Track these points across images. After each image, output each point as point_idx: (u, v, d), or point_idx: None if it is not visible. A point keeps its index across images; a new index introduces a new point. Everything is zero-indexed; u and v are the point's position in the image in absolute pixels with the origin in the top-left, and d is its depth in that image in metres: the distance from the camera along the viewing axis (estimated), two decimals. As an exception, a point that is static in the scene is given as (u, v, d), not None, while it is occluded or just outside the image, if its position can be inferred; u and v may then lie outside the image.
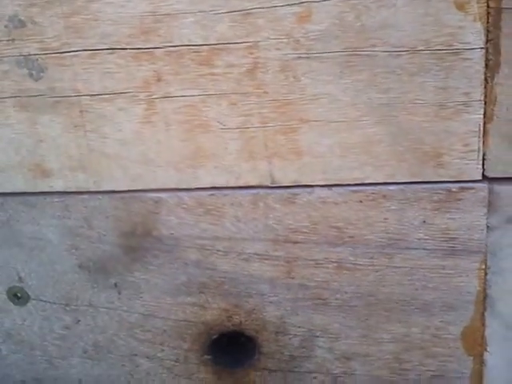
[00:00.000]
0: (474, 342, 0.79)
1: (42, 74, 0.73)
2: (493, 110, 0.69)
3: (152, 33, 0.70)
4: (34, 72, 0.73)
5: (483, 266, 0.75)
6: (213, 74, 0.70)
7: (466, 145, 0.70)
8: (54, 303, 0.84)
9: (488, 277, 0.76)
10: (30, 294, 0.84)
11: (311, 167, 0.73)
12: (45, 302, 0.85)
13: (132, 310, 0.82)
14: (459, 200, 0.72)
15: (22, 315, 0.85)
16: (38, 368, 0.89)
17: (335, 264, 0.77)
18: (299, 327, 0.80)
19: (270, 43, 0.68)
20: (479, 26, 0.66)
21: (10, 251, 0.82)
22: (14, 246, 0.82)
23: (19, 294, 0.85)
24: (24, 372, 0.90)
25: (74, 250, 0.81)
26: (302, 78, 0.69)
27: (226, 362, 0.85)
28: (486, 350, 0.79)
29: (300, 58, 0.69)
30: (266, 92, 0.70)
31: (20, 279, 0.84)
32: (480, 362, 0.80)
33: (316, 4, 0.67)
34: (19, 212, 0.80)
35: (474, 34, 0.66)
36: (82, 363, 0.87)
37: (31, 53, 0.72)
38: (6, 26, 0.72)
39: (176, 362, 0.85)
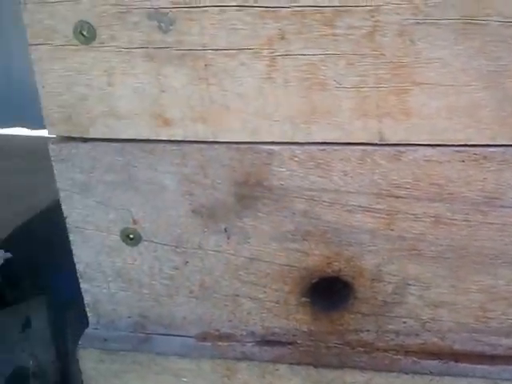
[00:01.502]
0: (559, 295, 0.80)
1: (170, 27, 0.74)
2: None
3: (279, -8, 0.71)
4: (163, 24, 0.74)
5: None
6: (334, 35, 0.71)
7: None
8: (165, 245, 0.86)
9: None
10: (142, 235, 0.86)
11: (418, 127, 0.74)
12: (156, 243, 0.87)
13: (238, 253, 0.84)
14: (557, 162, 0.73)
15: (133, 255, 0.88)
16: (144, 305, 0.91)
17: (433, 218, 0.78)
18: (394, 275, 0.82)
19: (391, 8, 0.69)
20: None
21: (125, 195, 0.85)
22: (130, 190, 0.84)
23: (132, 236, 0.87)
24: (131, 308, 0.92)
25: (188, 196, 0.83)
26: (418, 43, 0.70)
27: (322, 304, 0.86)
28: None
29: (418, 23, 0.70)
30: (382, 54, 0.71)
31: (134, 221, 0.86)
32: (562, 314, 0.81)
33: (438, -28, 0.67)
34: (138, 158, 0.82)
35: None
36: (188, 302, 0.90)
37: (162, 6, 0.73)
38: (136, -19, 0.73)
39: (276, 303, 0.87)
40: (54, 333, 2.03)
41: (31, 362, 1.70)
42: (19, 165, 2.21)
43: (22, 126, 2.63)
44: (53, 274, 2.41)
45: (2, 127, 2.62)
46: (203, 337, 0.92)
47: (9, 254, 1.60)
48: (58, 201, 1.78)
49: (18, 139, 2.51)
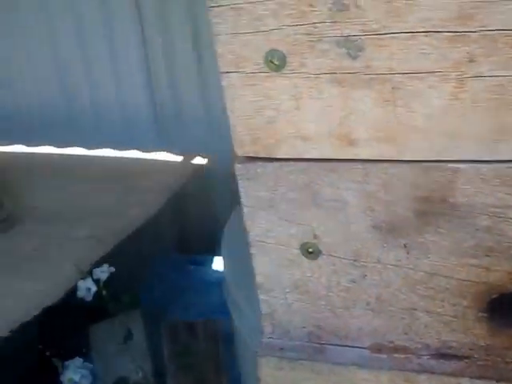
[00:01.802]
0: None
1: (359, 53, 0.76)
2: None
3: (469, 18, 0.71)
4: (351, 51, 0.76)
5: None
6: (524, 57, 0.71)
7: None
8: (344, 259, 0.88)
9: None
10: (321, 249, 0.88)
11: None
12: (335, 257, 0.88)
13: (418, 268, 0.85)
14: None
15: (311, 268, 0.90)
16: (320, 316, 0.93)
17: None
18: None
19: None
20: None
21: (308, 211, 0.86)
22: (312, 207, 0.86)
23: (311, 249, 0.89)
24: (306, 319, 0.94)
25: (369, 212, 0.84)
26: None
27: (501, 319, 0.86)
28: None
29: None
30: None
31: (315, 236, 0.88)
32: None
33: None
34: (321, 176, 0.83)
35: None
36: (364, 314, 0.91)
37: (351, 34, 0.75)
38: (329, 9, 0.75)
39: (454, 317, 0.87)
40: (150, 345, 2.09)
41: (139, 373, 1.75)
42: (111, 185, 2.29)
43: (111, 147, 2.70)
44: (146, 289, 2.48)
45: (92, 148, 2.69)
46: (377, 348, 0.93)
47: (113, 269, 1.66)
48: (149, 219, 1.83)
49: (107, 160, 2.59)
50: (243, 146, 0.83)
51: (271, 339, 0.96)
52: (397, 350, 0.92)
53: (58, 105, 2.93)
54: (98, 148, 2.59)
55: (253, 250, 0.90)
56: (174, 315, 2.28)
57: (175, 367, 2.02)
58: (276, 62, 0.78)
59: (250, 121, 0.81)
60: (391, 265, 0.86)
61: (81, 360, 1.56)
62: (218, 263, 2.82)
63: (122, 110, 2.87)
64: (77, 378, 1.53)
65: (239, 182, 0.86)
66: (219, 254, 2.94)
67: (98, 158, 2.50)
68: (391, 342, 0.91)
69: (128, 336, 1.74)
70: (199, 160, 2.45)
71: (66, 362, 1.54)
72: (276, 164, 0.84)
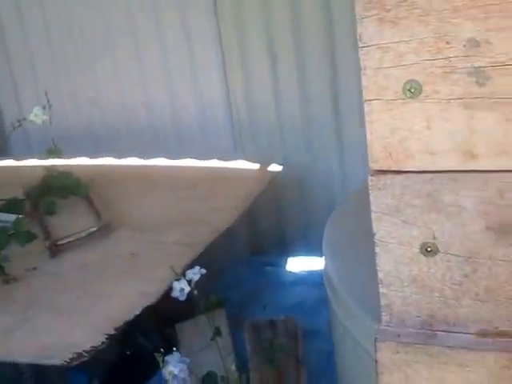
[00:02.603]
0: None
1: (486, 82, 0.85)
2: None
3: None
4: (480, 80, 0.85)
5: None
6: None
7: None
8: (459, 256, 0.97)
9: None
10: (439, 248, 0.97)
11: None
12: (450, 254, 0.97)
13: (526, 263, 0.94)
14: None
15: (429, 265, 0.99)
16: (433, 307, 1.02)
17: None
18: None
19: None
20: None
21: (429, 216, 0.96)
22: (433, 212, 0.95)
23: (430, 249, 0.98)
24: (421, 309, 1.03)
25: (484, 215, 0.93)
26: None
27: None
28: None
29: None
30: None
31: (434, 237, 0.97)
32: None
33: None
34: (443, 185, 0.93)
35: None
36: (472, 304, 1.00)
37: (481, 65, 0.84)
38: (464, 46, 0.84)
39: (554, 304, 0.95)
40: (234, 342, 2.17)
41: (232, 367, 1.82)
42: (194, 193, 2.37)
43: (192, 157, 2.79)
44: (229, 289, 2.56)
45: (174, 159, 2.78)
46: (483, 334, 1.01)
47: (203, 270, 1.74)
48: (232, 223, 1.91)
49: (189, 170, 2.67)
50: (377, 162, 0.92)
51: (388, 327, 1.04)
52: (500, 334, 1.00)
53: (140, 117, 3.01)
54: (179, 158, 2.67)
55: (377, 250, 0.98)
56: (253, 314, 2.36)
57: (258, 362, 2.10)
58: (412, 91, 0.87)
59: (386, 140, 0.90)
60: (501, 260, 0.94)
61: (179, 355, 1.63)
62: (291, 264, 2.91)
63: (200, 121, 2.94)
64: (176, 371, 1.60)
65: (370, 191, 0.94)
66: (293, 256, 3.04)
67: (180, 167, 2.58)
68: (496, 327, 0.99)
69: (216, 333, 1.82)
70: (274, 167, 2.54)
71: (167, 357, 1.62)
72: (404, 176, 0.93)
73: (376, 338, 1.00)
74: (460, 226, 0.91)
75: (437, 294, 0.98)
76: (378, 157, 0.90)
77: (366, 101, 0.85)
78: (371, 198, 0.93)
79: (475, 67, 0.81)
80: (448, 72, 0.82)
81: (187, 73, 2.91)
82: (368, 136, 0.88)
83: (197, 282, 1.67)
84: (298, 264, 2.92)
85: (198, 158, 2.63)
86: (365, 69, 0.84)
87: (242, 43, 2.77)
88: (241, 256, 2.90)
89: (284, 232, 2.99)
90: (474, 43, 0.80)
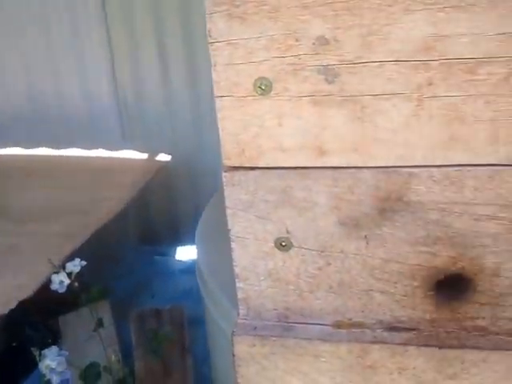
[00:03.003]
0: None
1: (335, 79, 0.83)
2: None
3: (431, 49, 0.79)
4: (329, 77, 0.83)
5: None
6: (475, 80, 0.80)
7: None
8: (312, 250, 0.95)
9: None
10: (293, 242, 0.95)
11: (543, 150, 0.82)
12: (304, 249, 0.95)
13: (375, 256, 0.93)
14: None
15: (283, 259, 0.97)
16: (288, 299, 1.00)
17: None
18: (511, 271, 0.91)
19: (526, 57, 0.77)
20: None
21: (282, 211, 0.93)
22: (286, 207, 0.93)
23: (284, 243, 0.96)
24: (277, 302, 1.01)
25: (336, 210, 0.91)
26: (549, 84, 0.78)
27: (445, 296, 0.95)
28: None
29: (548, 70, 0.78)
30: (516, 93, 0.79)
31: (287, 232, 0.95)
32: None
33: None
34: (296, 181, 0.90)
35: None
36: (327, 296, 0.98)
37: (330, 63, 0.82)
38: (313, 44, 0.81)
39: (404, 296, 0.95)
40: (118, 332, 2.13)
41: (112, 357, 1.79)
42: (79, 183, 2.30)
43: (77, 147, 2.71)
44: (116, 280, 2.51)
45: (59, 148, 2.69)
46: (338, 325, 1.00)
47: (84, 262, 1.69)
48: (118, 214, 1.86)
49: (75, 160, 2.60)
50: (230, 158, 0.89)
51: (245, 320, 1.02)
52: (354, 325, 0.99)
53: (24, 106, 2.88)
54: (65, 148, 2.57)
55: (233, 245, 0.95)
56: (141, 303, 2.31)
57: (142, 352, 2.06)
58: (263, 88, 0.83)
59: (238, 136, 0.87)
60: (352, 254, 0.93)
61: (57, 348, 1.58)
62: (181, 253, 2.86)
63: (87, 110, 2.84)
64: (54, 364, 1.54)
65: (225, 187, 0.91)
66: (183, 245, 2.99)
67: (65, 157, 2.48)
68: (350, 318, 0.98)
69: (99, 324, 1.76)
70: (163, 157, 2.48)
71: (44, 351, 1.56)
72: (257, 172, 0.89)
73: (233, 332, 0.97)
74: (313, 221, 0.89)
75: (292, 287, 0.95)
76: (231, 153, 0.86)
77: (217, 97, 0.82)
78: (225, 194, 0.90)
79: (324, 65, 0.78)
80: (298, 69, 0.79)
81: (73, 61, 2.80)
82: (220, 132, 0.84)
83: (86, 272, 1.60)
84: (188, 253, 2.88)
85: (84, 148, 2.54)
86: (215, 65, 0.80)
87: (129, 32, 2.68)
88: (132, 246, 2.83)
89: (175, 221, 2.94)
90: (322, 41, 0.77)
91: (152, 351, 1.98)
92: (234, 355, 1.02)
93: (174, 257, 2.97)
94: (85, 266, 1.67)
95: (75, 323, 2.09)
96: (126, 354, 2.03)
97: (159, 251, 2.97)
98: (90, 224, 1.92)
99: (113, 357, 1.80)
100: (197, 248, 1.71)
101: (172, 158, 2.54)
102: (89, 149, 2.63)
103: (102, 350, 1.79)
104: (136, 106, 2.89)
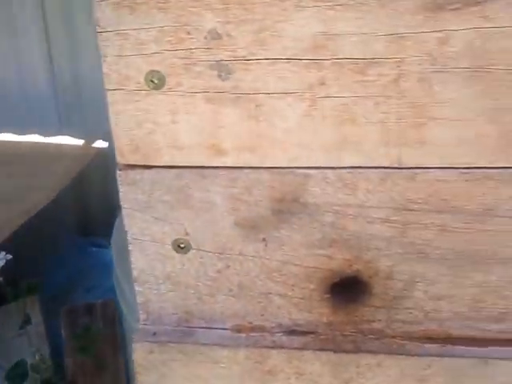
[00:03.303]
0: (539, 286, 0.89)
1: (229, 76, 0.81)
2: None
3: (322, 48, 0.78)
4: (222, 74, 0.81)
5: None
6: (365, 81, 0.79)
7: (553, 140, 0.80)
8: (211, 252, 0.93)
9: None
10: (191, 244, 0.93)
11: (431, 153, 0.82)
12: (203, 251, 0.93)
13: (273, 258, 0.91)
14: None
15: (182, 261, 0.94)
16: (188, 303, 0.97)
17: (439, 227, 0.86)
18: (404, 274, 0.90)
19: (414, 59, 0.77)
20: None
21: (180, 212, 0.91)
22: (184, 208, 0.90)
23: (183, 245, 0.93)
24: (177, 306, 0.98)
25: (233, 212, 0.89)
26: (435, 87, 0.78)
27: (341, 299, 0.94)
28: (546, 293, 0.89)
29: (435, 71, 0.77)
30: (404, 96, 0.79)
31: (186, 233, 0.92)
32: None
33: (454, 31, 0.75)
34: (193, 181, 0.88)
35: None
36: (227, 299, 0.96)
37: (223, 59, 0.80)
38: (205, 37, 0.80)
39: (302, 299, 0.94)
40: (48, 329, 2.07)
41: (36, 356, 1.73)
42: (16, 169, 2.22)
43: (11, 132, 2.62)
44: (46, 274, 2.44)
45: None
46: (238, 329, 0.98)
47: (9, 256, 1.63)
48: (51, 203, 1.80)
49: (7, 144, 2.51)
50: (124, 156, 0.86)
51: (145, 325, 0.99)
52: (254, 329, 0.96)
53: None
54: None
55: (130, 247, 0.92)
56: (76, 298, 2.24)
57: (73, 348, 1.99)
58: (156, 81, 0.81)
59: (132, 132, 0.84)
60: (251, 256, 0.91)
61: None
62: None
63: (22, 92, 2.76)
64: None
65: (120, 187, 0.88)
66: None
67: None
68: (250, 322, 0.96)
69: (26, 321, 1.70)
70: (100, 143, 2.40)
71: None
72: (153, 171, 0.87)
73: (132, 339, 0.93)
74: (211, 222, 0.86)
75: (192, 291, 0.93)
76: (125, 150, 0.84)
77: (108, 90, 0.79)
78: (121, 195, 0.87)
79: (217, 60, 0.76)
80: (190, 64, 0.77)
81: (7, 42, 2.71)
82: (113, 128, 0.81)
83: (15, 266, 1.54)
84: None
85: (18, 133, 2.44)
86: (105, 56, 0.77)
87: (66, 13, 2.61)
88: (68, 237, 2.75)
89: (112, 211, 2.87)
90: (215, 35, 0.75)
91: (83, 348, 1.92)
92: (133, 361, 0.98)
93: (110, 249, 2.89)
94: (12, 259, 1.60)
95: (2, 320, 2.02)
96: (58, 352, 1.96)
97: (96, 243, 2.88)
98: (19, 214, 1.84)
99: (36, 356, 1.74)
100: (113, 248, 1.66)
101: (109, 145, 2.47)
102: (23, 134, 2.54)
103: (31, 348, 1.72)
104: (73, 91, 2.83)
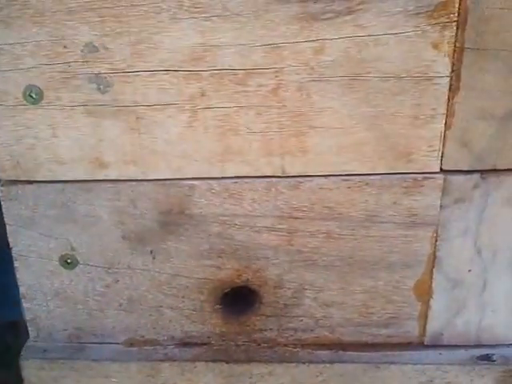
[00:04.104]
0: (424, 291, 0.91)
1: (108, 89, 0.81)
2: (451, 120, 0.81)
3: (201, 59, 0.78)
4: (101, 86, 0.81)
5: (435, 235, 0.87)
6: (245, 91, 0.79)
7: (430, 146, 0.82)
8: (99, 267, 0.92)
9: (438, 243, 0.88)
10: (78, 259, 0.92)
11: (313, 162, 0.83)
12: (91, 266, 0.92)
13: (162, 271, 0.91)
14: (422, 186, 0.84)
15: (70, 277, 0.93)
16: (78, 319, 0.97)
17: (325, 234, 0.88)
18: (293, 282, 0.91)
19: (292, 69, 0.78)
20: (447, 60, 0.78)
21: (65, 226, 0.90)
22: (69, 223, 0.89)
23: (70, 260, 0.93)
24: (67, 322, 0.97)
25: (119, 225, 0.89)
26: (313, 96, 0.79)
27: (232, 310, 0.94)
28: (431, 297, 0.92)
29: (313, 80, 0.79)
30: (284, 105, 0.80)
31: (72, 248, 0.91)
32: (426, 306, 0.92)
33: (328, 41, 0.77)
34: (77, 195, 0.87)
35: (443, 66, 0.78)
36: (117, 314, 0.95)
37: (101, 72, 0.80)
38: (81, 51, 0.79)
39: (193, 311, 0.94)
40: None
41: None
42: None
43: None
44: None
45: None
46: (130, 343, 0.97)
47: None
48: None
49: None
50: (5, 171, 0.85)
51: (36, 342, 0.97)
52: (146, 343, 0.96)
53: None
54: None
55: (16, 264, 0.91)
56: (4, 313, 2.16)
57: None
58: (34, 96, 0.80)
59: (11, 148, 0.83)
60: (140, 269, 0.90)
61: None
62: None
63: None
64: None
65: (3, 203, 0.87)
66: None
67: None
68: (142, 336, 0.96)
69: None
70: None
71: None
72: (35, 186, 0.86)
73: (20, 356, 0.91)
74: (97, 236, 0.85)
75: (81, 306, 0.91)
76: (5, 165, 0.83)
77: (-17, 106, 0.76)
78: (4, 210, 0.85)
79: (95, 73, 0.75)
80: (68, 78, 0.76)
81: None
82: (-8, 144, 0.79)
83: None
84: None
85: None
86: (-19, 72, 0.75)
87: None
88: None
89: None
90: (91, 48, 0.75)
91: (5, 366, 1.86)
92: (23, 379, 0.96)
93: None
94: None
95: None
96: None
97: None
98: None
99: None
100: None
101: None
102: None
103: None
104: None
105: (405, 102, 0.79)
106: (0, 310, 2.35)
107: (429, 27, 0.76)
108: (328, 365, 0.93)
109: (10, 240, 0.90)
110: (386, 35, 0.76)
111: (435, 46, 0.76)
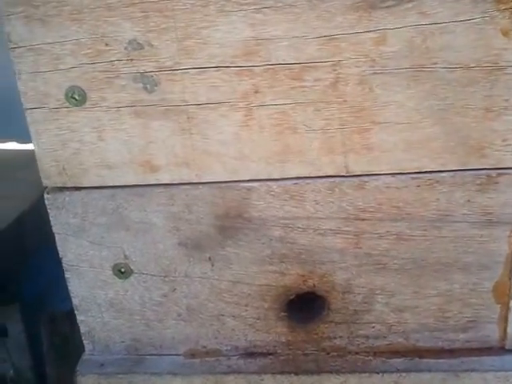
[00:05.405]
0: (503, 293, 0.91)
1: (155, 88, 0.82)
2: (527, 112, 0.80)
3: (253, 54, 0.79)
4: (148, 86, 0.82)
5: (513, 234, 0.86)
6: (302, 87, 0.80)
7: (504, 140, 0.82)
8: (154, 275, 0.94)
9: (517, 242, 0.87)
10: (132, 268, 0.94)
11: (379, 160, 0.84)
12: (146, 274, 0.94)
13: (222, 278, 0.93)
14: (496, 183, 0.84)
15: (124, 287, 0.95)
16: (136, 330, 0.99)
17: (395, 236, 0.88)
18: (362, 287, 0.91)
19: (351, 62, 0.78)
20: (520, 48, 0.77)
21: (117, 234, 0.92)
22: (121, 230, 0.91)
23: (123, 269, 0.95)
24: (124, 334, 1.00)
25: (175, 231, 0.90)
26: (376, 89, 0.79)
27: (299, 317, 0.95)
28: (511, 298, 0.91)
29: (375, 73, 0.79)
30: (345, 100, 0.80)
31: (125, 257, 0.93)
32: (506, 308, 0.92)
33: (390, 30, 0.77)
34: (128, 201, 0.89)
35: (514, 54, 0.77)
36: (176, 324, 0.97)
37: (147, 70, 0.81)
38: (125, 48, 0.81)
39: (257, 319, 0.95)
40: (29, 339, 2.06)
41: (11, 371, 1.74)
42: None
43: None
44: (25, 282, 2.43)
45: None
46: (191, 353, 1.00)
47: None
48: (29, 210, 1.80)
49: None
50: (50, 178, 0.87)
51: (92, 356, 1.00)
52: (208, 353, 0.98)
53: None
54: None
55: (67, 275, 0.94)
56: (53, 306, 2.23)
57: (54, 357, 1.99)
58: (77, 98, 0.82)
59: (56, 153, 0.85)
60: (198, 277, 0.92)
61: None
62: None
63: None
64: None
65: (49, 211, 0.89)
66: None
67: None
68: (204, 346, 0.98)
69: (2, 333, 1.70)
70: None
71: None
72: (83, 192, 0.88)
73: (76, 372, 0.95)
74: (151, 243, 0.88)
75: (138, 317, 0.94)
76: (50, 172, 0.85)
77: (26, 109, 0.79)
78: (51, 219, 0.88)
79: (141, 72, 0.77)
80: (112, 77, 0.78)
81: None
82: (36, 149, 0.81)
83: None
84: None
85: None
86: (20, 73, 0.78)
87: None
88: (41, 243, 2.71)
89: None
90: (135, 45, 0.77)
91: (64, 357, 1.92)
92: (80, 395, 1.00)
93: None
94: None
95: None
96: (40, 361, 1.97)
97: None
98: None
99: (11, 372, 1.74)
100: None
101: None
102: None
103: (9, 360, 1.73)
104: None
105: (475, 93, 0.79)
106: (54, 301, 2.42)
107: (497, 13, 0.75)
108: (404, 374, 0.93)
109: (59, 250, 0.93)
110: (452, 23, 0.76)
111: (505, 33, 0.75)
